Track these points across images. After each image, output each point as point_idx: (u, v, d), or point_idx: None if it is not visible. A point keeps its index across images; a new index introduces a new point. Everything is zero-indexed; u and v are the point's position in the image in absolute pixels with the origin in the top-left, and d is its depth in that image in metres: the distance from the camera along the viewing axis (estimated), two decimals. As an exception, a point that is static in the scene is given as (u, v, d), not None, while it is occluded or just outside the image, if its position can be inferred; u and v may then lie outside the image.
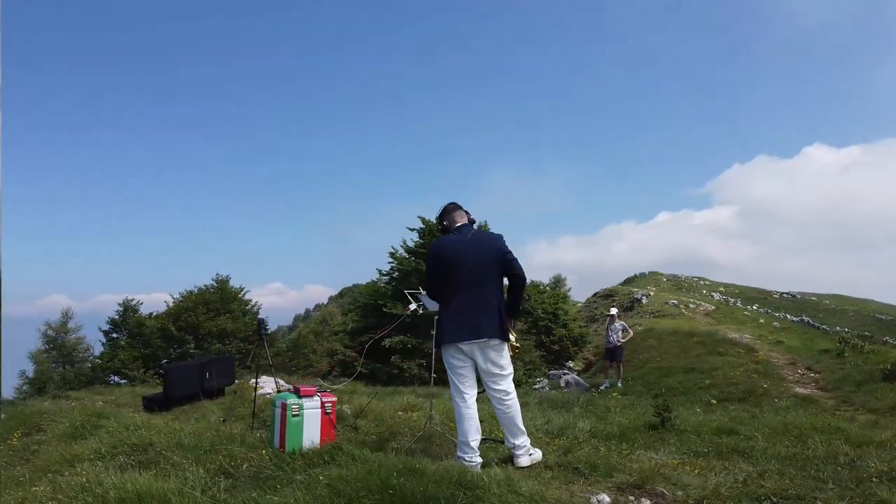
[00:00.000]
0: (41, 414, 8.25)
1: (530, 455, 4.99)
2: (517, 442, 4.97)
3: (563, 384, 18.64)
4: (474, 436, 4.89)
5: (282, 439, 4.90)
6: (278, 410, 5.02)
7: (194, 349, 22.06)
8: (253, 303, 25.48)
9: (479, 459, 4.88)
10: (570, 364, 26.38)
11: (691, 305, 34.56)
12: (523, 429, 5.02)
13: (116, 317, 23.97)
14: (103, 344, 22.66)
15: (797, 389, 14.82)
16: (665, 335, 23.36)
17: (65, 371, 23.77)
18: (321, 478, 4.07)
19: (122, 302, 24.34)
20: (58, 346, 26.97)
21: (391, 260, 21.50)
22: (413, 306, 5.99)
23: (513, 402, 5.00)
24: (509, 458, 5.02)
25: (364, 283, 23.33)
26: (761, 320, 29.19)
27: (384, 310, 20.38)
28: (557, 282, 61.03)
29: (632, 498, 4.23)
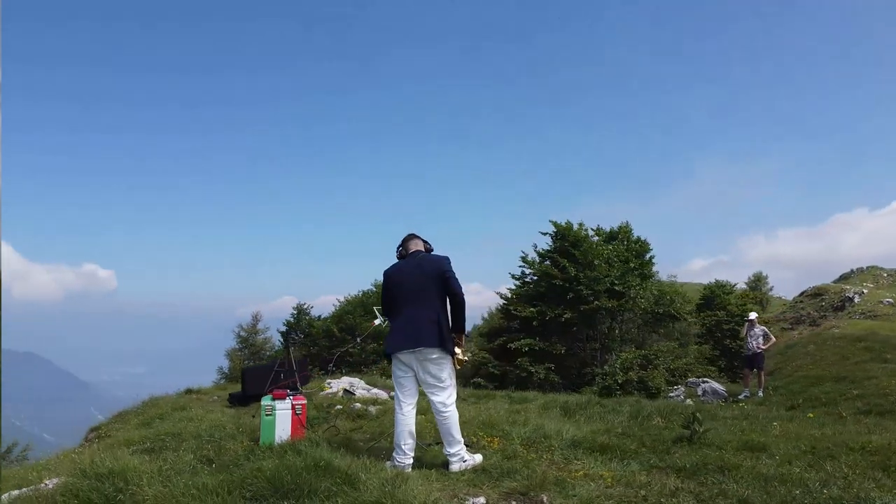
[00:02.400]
0: (166, 405, 10.02)
1: (464, 462, 5.51)
2: (451, 450, 5.52)
3: (699, 392, 17.97)
4: (406, 440, 5.52)
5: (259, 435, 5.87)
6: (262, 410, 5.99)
7: (353, 348, 24.22)
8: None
9: (410, 462, 5.51)
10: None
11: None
12: (458, 438, 5.55)
13: (291, 319, 27.13)
14: (280, 343, 25.57)
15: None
16: (829, 341, 21.37)
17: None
18: (246, 467, 4.94)
19: (295, 306, 27.47)
20: (248, 345, 30.95)
21: (522, 264, 21.94)
22: (378, 320, 6.66)
23: (450, 414, 5.54)
24: (445, 464, 5.54)
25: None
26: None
27: (513, 313, 20.92)
28: (758, 280, 56.73)
29: (513, 502, 4.61)
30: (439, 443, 5.69)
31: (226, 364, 28.88)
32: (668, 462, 6.03)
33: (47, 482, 5.08)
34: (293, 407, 5.96)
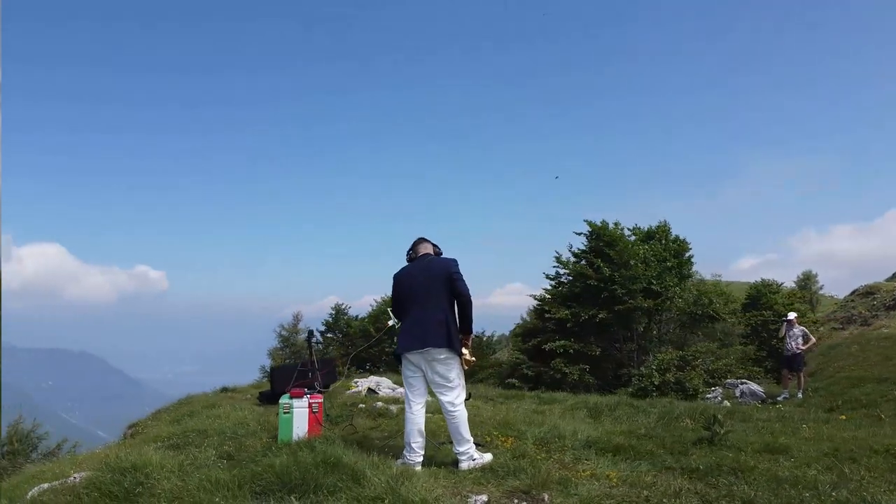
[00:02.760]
0: (199, 403, 10.37)
1: (473, 460, 5.62)
2: (460, 448, 5.64)
3: (737, 394, 17.69)
4: (416, 439, 5.65)
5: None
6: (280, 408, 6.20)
7: (388, 349, 24.50)
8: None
9: (419, 459, 5.63)
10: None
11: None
12: (467, 437, 5.66)
13: (330, 318, 27.63)
14: (318, 343, 26.00)
15: None
16: (873, 341, 20.76)
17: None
18: (260, 463, 5.14)
19: (334, 306, 27.93)
20: (290, 344, 31.54)
21: (556, 264, 21.81)
22: (391, 322, 6.79)
23: (458, 413, 5.66)
24: (455, 462, 5.66)
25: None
26: None
27: (546, 314, 20.83)
28: (807, 279, 55.14)
29: (515, 500, 4.70)
30: (452, 442, 5.80)
31: (268, 363, 29.49)
32: (682, 463, 6.03)
33: (75, 476, 5.35)
34: (310, 405, 6.16)
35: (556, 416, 9.06)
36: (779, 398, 16.16)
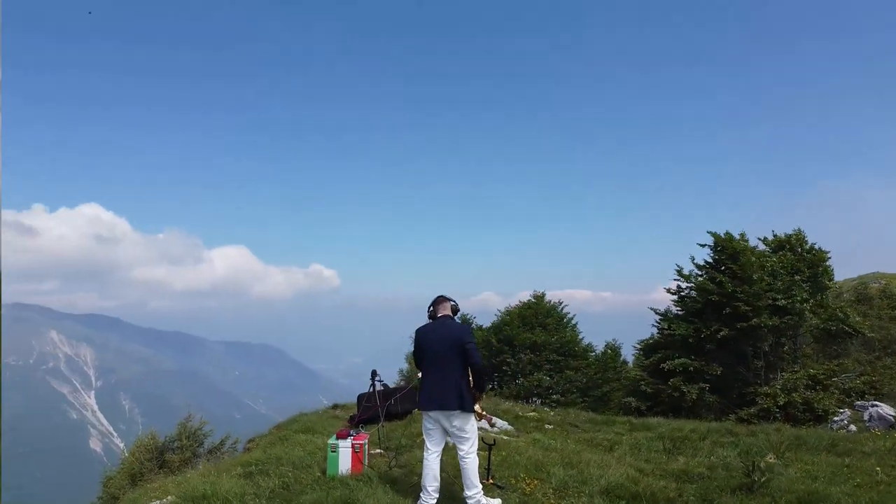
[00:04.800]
0: (301, 424, 11.79)
1: None
2: (469, 493, 6.46)
3: (865, 417, 16.58)
4: (431, 483, 6.51)
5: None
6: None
7: (510, 359, 25.23)
8: (570, 316, 27.67)
9: (433, 502, 6.42)
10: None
11: None
12: (475, 483, 6.44)
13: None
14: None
15: None
16: None
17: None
18: (298, 498, 6.22)
19: (459, 316, 28.91)
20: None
21: (678, 277, 21.30)
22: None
23: (470, 460, 6.46)
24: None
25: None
26: None
27: (666, 332, 20.51)
28: None
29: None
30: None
31: (406, 367, 31.19)
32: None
33: (157, 502, 6.73)
34: (353, 446, 7.16)
35: (603, 452, 9.37)
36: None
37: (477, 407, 6.58)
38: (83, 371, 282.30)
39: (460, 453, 6.48)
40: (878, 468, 9.18)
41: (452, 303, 6.97)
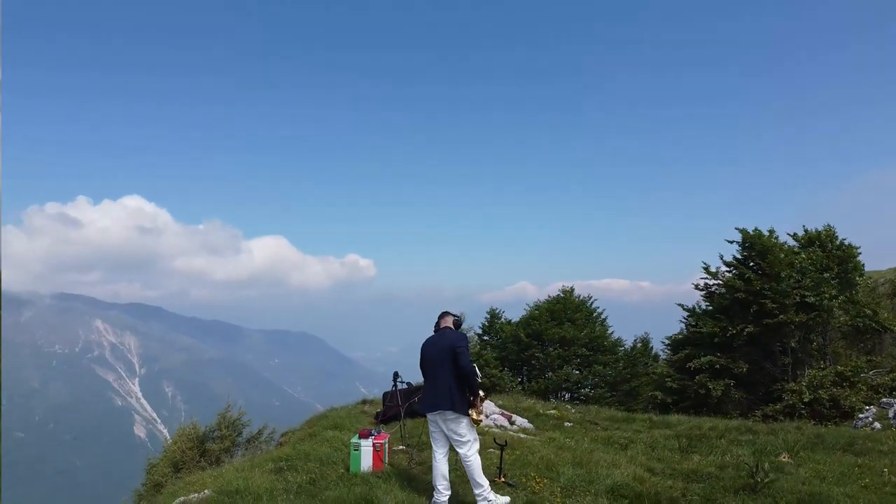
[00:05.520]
0: (330, 420, 12.37)
1: (489, 501, 6.90)
2: (476, 491, 6.99)
3: (891, 415, 16.59)
4: (440, 482, 7.07)
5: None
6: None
7: (539, 354, 25.55)
8: (599, 311, 27.86)
9: (444, 499, 7.00)
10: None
11: None
12: (480, 482, 6.96)
13: (485, 322, 29.25)
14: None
15: None
16: None
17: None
18: (321, 494, 6.77)
19: (489, 310, 29.49)
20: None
21: (705, 275, 21.37)
22: None
23: (471, 462, 6.99)
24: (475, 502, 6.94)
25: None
26: None
27: (693, 328, 20.65)
28: None
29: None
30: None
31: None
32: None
33: (205, 492, 7.35)
34: (374, 445, 7.71)
35: (616, 451, 9.74)
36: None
37: (473, 413, 7.02)
38: (127, 359, 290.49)
39: (461, 455, 7.00)
40: (885, 469, 9.38)
41: (455, 317, 7.55)
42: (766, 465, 8.19)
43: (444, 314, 7.58)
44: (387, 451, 8.08)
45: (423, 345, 7.47)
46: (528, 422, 12.17)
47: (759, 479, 7.83)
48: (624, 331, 28.99)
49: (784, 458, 10.31)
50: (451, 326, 7.42)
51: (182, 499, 7.35)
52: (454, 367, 7.03)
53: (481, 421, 7.32)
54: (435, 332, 7.49)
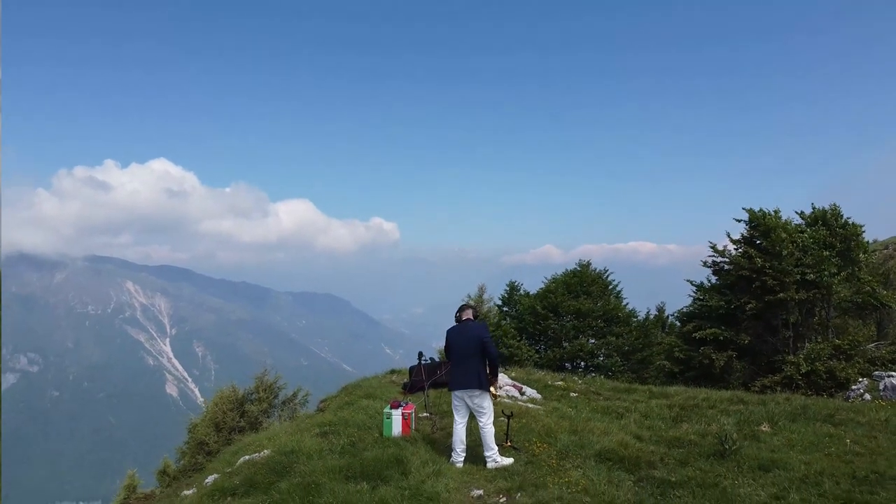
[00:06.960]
0: (364, 390, 13.96)
1: (496, 462, 8.50)
2: (487, 453, 8.59)
3: (881, 387, 17.69)
4: (458, 445, 8.68)
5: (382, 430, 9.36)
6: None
7: (555, 325, 26.98)
8: (614, 284, 29.10)
9: (461, 459, 8.61)
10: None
11: None
12: (492, 446, 8.54)
13: (504, 294, 30.78)
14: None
15: None
16: None
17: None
18: (359, 455, 8.36)
19: (508, 283, 30.96)
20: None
21: (713, 253, 22.48)
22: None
23: (488, 430, 8.58)
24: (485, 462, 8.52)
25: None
26: None
27: (700, 301, 21.93)
28: None
29: (501, 498, 7.40)
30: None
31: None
32: (664, 475, 8.15)
33: (264, 451, 8.97)
34: (403, 414, 9.29)
35: (612, 419, 11.20)
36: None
37: (492, 389, 8.62)
38: (158, 320, 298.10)
39: (480, 424, 8.57)
40: (848, 440, 10.46)
41: (474, 308, 9.00)
42: (735, 433, 9.56)
43: (465, 307, 9.06)
44: (414, 419, 9.64)
45: (449, 333, 8.89)
46: (537, 392, 13.68)
47: (727, 447, 9.19)
48: (649, 294, 30.14)
49: (764, 427, 11.54)
50: (472, 317, 8.89)
51: (246, 457, 8.98)
52: (482, 355, 8.53)
53: (499, 396, 8.90)
54: (457, 322, 8.94)
